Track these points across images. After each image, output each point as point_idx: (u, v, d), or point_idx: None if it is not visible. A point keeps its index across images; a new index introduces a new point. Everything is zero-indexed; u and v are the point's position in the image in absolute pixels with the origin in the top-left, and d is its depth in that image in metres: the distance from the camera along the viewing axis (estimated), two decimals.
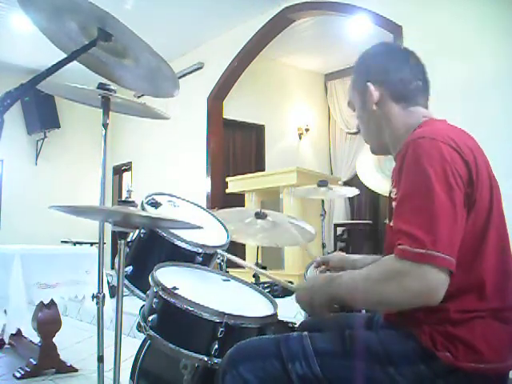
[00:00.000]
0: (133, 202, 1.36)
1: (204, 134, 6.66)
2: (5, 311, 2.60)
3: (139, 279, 1.57)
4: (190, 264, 1.56)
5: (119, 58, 1.59)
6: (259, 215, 2.45)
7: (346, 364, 1.08)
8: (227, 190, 5.98)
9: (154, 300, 1.30)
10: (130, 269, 1.58)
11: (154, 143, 7.59)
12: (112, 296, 2.82)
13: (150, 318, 1.29)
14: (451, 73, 4.02)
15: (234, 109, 6.93)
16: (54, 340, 2.92)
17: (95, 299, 1.82)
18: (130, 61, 1.59)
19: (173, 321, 1.28)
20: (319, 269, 1.55)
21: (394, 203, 1.12)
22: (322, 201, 3.83)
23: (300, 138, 7.85)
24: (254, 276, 2.83)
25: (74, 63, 1.40)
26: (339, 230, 7.32)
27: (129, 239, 1.60)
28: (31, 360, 2.87)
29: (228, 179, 6.02)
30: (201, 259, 1.60)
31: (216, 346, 1.23)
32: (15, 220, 7.34)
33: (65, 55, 1.41)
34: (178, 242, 1.57)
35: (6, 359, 3.21)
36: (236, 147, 7.34)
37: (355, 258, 1.50)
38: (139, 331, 1.32)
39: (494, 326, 1.05)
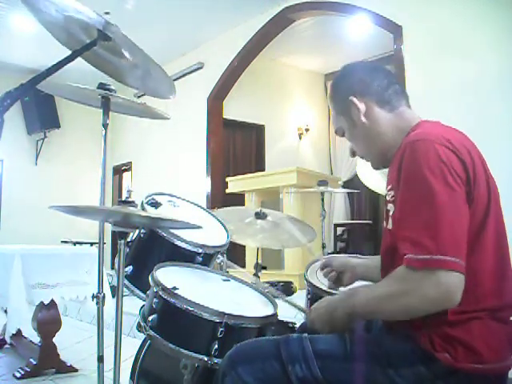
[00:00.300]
0: (133, 201, 1.36)
1: (204, 134, 6.66)
2: (5, 311, 2.60)
3: (139, 279, 1.57)
4: (190, 264, 1.56)
5: (118, 57, 1.59)
6: (259, 215, 2.45)
7: (346, 366, 1.08)
8: (227, 190, 5.98)
9: (154, 300, 1.30)
10: (130, 269, 1.59)
11: (154, 143, 7.59)
12: (112, 296, 2.82)
13: (150, 318, 1.29)
14: (451, 73, 4.02)
15: (234, 109, 6.93)
16: (54, 340, 2.91)
17: (95, 299, 1.83)
18: (127, 62, 1.59)
19: (173, 321, 1.28)
20: (323, 271, 1.54)
21: (389, 205, 1.12)
22: (322, 201, 3.83)
23: (300, 138, 7.85)
24: (253, 276, 2.83)
25: (75, 63, 1.40)
26: (339, 229, 7.32)
27: (129, 239, 1.60)
28: (31, 360, 2.87)
29: (228, 179, 6.02)
30: (201, 259, 1.59)
31: (216, 346, 1.23)
32: (15, 220, 7.34)
33: (66, 53, 1.41)
34: (178, 242, 1.57)
35: (6, 359, 3.20)
36: (236, 147, 7.34)
37: (357, 263, 1.49)
38: (139, 331, 1.32)
39: (492, 326, 1.05)
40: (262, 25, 5.85)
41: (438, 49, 4.13)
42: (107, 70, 1.71)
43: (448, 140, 1.06)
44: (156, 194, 1.74)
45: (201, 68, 6.79)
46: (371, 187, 3.73)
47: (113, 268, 6.68)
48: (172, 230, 1.56)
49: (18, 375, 2.78)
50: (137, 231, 1.61)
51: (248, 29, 6.04)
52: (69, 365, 2.93)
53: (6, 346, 3.38)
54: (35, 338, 3.03)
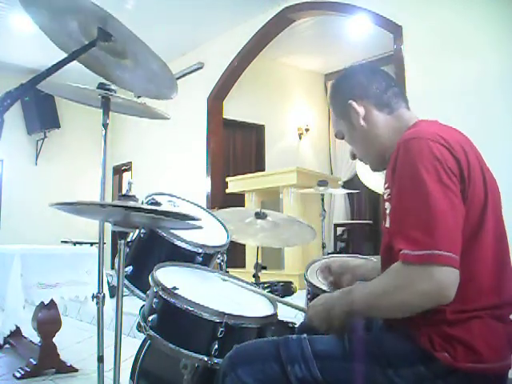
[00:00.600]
0: (133, 196, 1.34)
1: (204, 133, 6.66)
2: (2, 310, 2.60)
3: (139, 279, 1.57)
4: (190, 264, 1.56)
5: (118, 58, 1.59)
6: (259, 215, 2.45)
7: (345, 367, 1.08)
8: (227, 190, 5.98)
9: (154, 300, 1.30)
10: (129, 269, 1.59)
11: (154, 143, 7.59)
12: (112, 296, 2.82)
13: (150, 318, 1.29)
14: (452, 73, 4.02)
15: (234, 109, 6.93)
16: (54, 340, 2.91)
17: (95, 299, 1.83)
18: (128, 61, 1.59)
19: (173, 321, 1.28)
20: (322, 276, 1.54)
21: (386, 204, 1.12)
22: (322, 201, 3.83)
23: (300, 138, 7.85)
24: (253, 276, 2.83)
25: (74, 63, 1.40)
26: (339, 229, 7.32)
27: (129, 239, 1.60)
28: (31, 360, 2.87)
29: (228, 179, 6.02)
30: (201, 259, 1.60)
31: (216, 346, 1.23)
32: (15, 220, 7.34)
33: (65, 55, 1.41)
34: (178, 242, 1.57)
35: (6, 359, 3.21)
36: (236, 147, 7.34)
37: (356, 265, 1.48)
38: (139, 331, 1.32)
39: (492, 326, 1.05)
40: (262, 25, 5.85)
41: (439, 49, 4.12)
42: (105, 74, 1.71)
43: (442, 137, 1.06)
44: (156, 194, 1.73)
45: (201, 68, 6.79)
46: (371, 187, 3.73)
47: (113, 268, 6.68)
48: (172, 230, 1.56)
49: (18, 375, 2.78)
50: (137, 231, 1.61)
51: (248, 29, 6.05)
52: (69, 365, 2.93)
53: (6, 346, 3.38)
54: (35, 337, 3.03)
